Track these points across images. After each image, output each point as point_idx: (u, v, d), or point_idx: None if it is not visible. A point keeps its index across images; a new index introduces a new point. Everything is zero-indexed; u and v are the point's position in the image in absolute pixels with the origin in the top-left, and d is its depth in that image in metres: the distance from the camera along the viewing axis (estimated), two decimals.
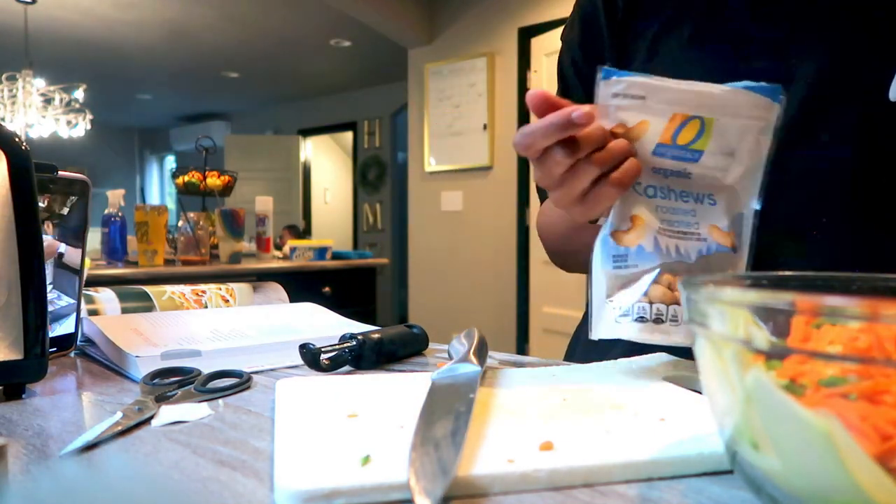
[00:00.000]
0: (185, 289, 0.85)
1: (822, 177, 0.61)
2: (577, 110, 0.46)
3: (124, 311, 0.78)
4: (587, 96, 0.77)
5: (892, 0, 0.58)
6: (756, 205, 0.53)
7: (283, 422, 0.39)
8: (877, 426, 0.22)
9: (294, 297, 0.94)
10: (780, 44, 0.63)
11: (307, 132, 7.18)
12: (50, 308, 0.54)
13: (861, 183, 0.60)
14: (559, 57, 0.81)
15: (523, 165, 3.65)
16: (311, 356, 0.56)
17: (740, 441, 0.26)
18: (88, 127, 4.92)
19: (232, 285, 0.90)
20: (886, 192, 0.60)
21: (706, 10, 0.66)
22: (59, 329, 0.62)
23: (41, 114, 4.60)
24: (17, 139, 0.48)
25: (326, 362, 0.57)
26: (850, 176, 0.60)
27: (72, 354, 0.67)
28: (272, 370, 0.59)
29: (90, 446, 0.38)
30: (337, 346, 0.58)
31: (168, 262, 2.32)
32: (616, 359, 0.58)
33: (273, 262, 2.62)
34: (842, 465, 0.22)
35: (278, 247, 3.10)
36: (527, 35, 3.67)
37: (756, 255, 0.55)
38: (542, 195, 0.86)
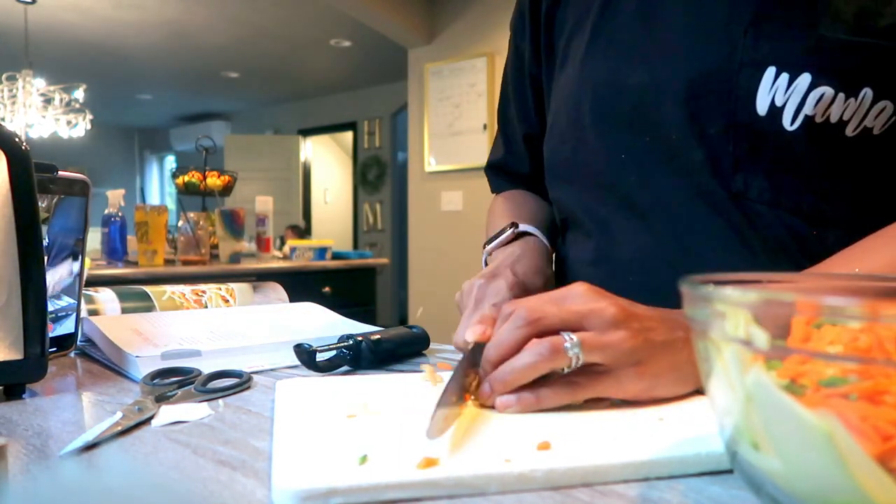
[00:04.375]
0: (185, 289, 0.85)
1: (702, 178, 0.59)
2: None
3: (124, 311, 0.78)
4: (535, 96, 0.78)
5: (760, 18, 0.54)
6: None
7: (282, 422, 0.39)
8: (877, 426, 0.22)
9: (294, 297, 0.94)
10: (655, 55, 0.60)
11: (307, 132, 7.17)
12: (50, 308, 0.54)
13: (736, 187, 0.57)
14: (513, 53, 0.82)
15: None
16: (306, 356, 0.56)
17: (740, 441, 0.26)
18: (88, 127, 4.91)
19: (232, 285, 0.90)
20: (765, 193, 0.57)
21: (599, 17, 0.66)
22: (59, 329, 0.62)
23: (41, 114, 4.60)
24: (17, 139, 0.48)
25: (324, 363, 0.57)
26: (726, 180, 0.57)
27: (72, 354, 0.67)
28: (272, 370, 0.59)
29: (90, 446, 0.38)
30: (334, 346, 0.58)
31: (168, 262, 2.32)
32: None
33: (273, 262, 2.62)
34: (842, 465, 0.22)
35: (280, 247, 3.10)
36: None
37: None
38: (496, 184, 0.88)
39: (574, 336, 0.41)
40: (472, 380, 0.45)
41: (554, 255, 0.76)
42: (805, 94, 0.52)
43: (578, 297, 0.44)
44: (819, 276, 0.44)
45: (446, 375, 0.49)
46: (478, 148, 3.85)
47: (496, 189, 0.89)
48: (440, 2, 4.08)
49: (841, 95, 0.52)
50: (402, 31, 4.00)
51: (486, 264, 0.70)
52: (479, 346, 0.48)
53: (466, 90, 3.89)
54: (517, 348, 0.42)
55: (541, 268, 0.65)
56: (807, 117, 0.53)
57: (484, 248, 0.72)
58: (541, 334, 0.42)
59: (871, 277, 0.35)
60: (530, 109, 0.80)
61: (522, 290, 0.58)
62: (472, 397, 0.43)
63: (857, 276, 0.43)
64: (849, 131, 0.53)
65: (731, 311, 0.26)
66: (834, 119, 0.53)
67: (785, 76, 0.53)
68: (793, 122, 0.53)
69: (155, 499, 0.20)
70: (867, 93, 0.52)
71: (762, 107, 0.54)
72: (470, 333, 0.49)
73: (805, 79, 0.52)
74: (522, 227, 0.71)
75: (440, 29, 4.09)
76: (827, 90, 0.52)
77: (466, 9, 3.95)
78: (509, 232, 0.70)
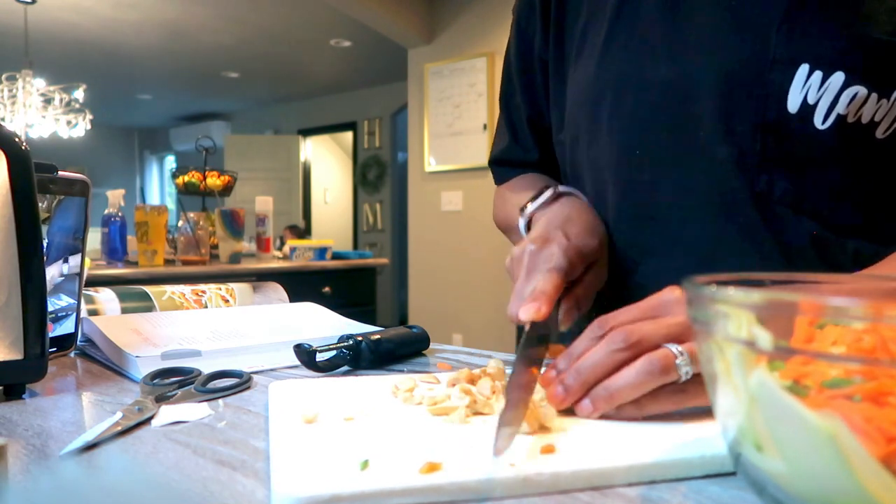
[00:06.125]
0: (185, 289, 0.85)
1: (725, 177, 0.57)
2: None
3: (124, 311, 0.78)
4: (544, 81, 0.75)
5: (794, 14, 0.53)
6: None
7: (277, 425, 0.38)
8: (881, 428, 0.22)
9: (294, 297, 0.94)
10: (684, 49, 0.58)
11: (307, 132, 7.17)
12: (50, 308, 0.54)
13: (760, 186, 0.56)
14: (516, 43, 0.78)
15: None
16: (306, 356, 0.56)
17: (744, 443, 0.26)
18: (88, 127, 4.91)
19: (232, 285, 0.90)
20: (788, 194, 0.56)
21: (618, 7, 0.63)
22: (59, 329, 0.62)
23: (41, 114, 4.60)
24: (17, 139, 0.48)
25: (324, 363, 0.57)
26: (750, 179, 0.56)
27: (72, 354, 0.67)
28: (272, 370, 0.59)
29: (90, 446, 0.38)
30: (334, 346, 0.58)
31: (168, 262, 2.32)
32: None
33: (273, 262, 2.62)
34: (846, 466, 0.22)
35: (279, 247, 3.10)
36: None
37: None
38: (501, 176, 0.85)
39: (684, 350, 0.39)
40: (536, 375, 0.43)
41: None
42: (838, 93, 0.51)
43: (674, 306, 0.42)
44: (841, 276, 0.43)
45: (444, 377, 0.49)
46: (478, 148, 3.85)
47: (502, 180, 0.85)
48: (440, 2, 4.08)
49: (874, 96, 0.51)
50: (402, 31, 4.00)
51: (527, 230, 0.66)
52: (534, 328, 0.46)
53: (466, 90, 3.89)
54: (616, 371, 0.40)
55: (594, 226, 0.60)
56: (839, 116, 0.52)
57: (521, 212, 0.67)
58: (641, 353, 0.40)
59: (873, 277, 0.35)
60: (539, 95, 0.77)
61: (577, 253, 0.54)
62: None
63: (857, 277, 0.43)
64: (879, 133, 0.52)
65: (734, 311, 0.26)
66: (865, 119, 0.52)
67: (818, 74, 0.52)
68: (824, 121, 0.52)
69: (155, 499, 0.20)
70: None
71: (794, 104, 0.53)
72: (524, 312, 0.47)
73: (839, 77, 0.51)
74: (562, 187, 0.66)
75: (440, 29, 4.09)
76: (860, 90, 0.51)
77: (466, 9, 3.95)
78: (549, 192, 0.65)
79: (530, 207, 0.65)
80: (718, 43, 0.57)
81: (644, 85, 0.60)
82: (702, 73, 0.57)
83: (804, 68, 0.52)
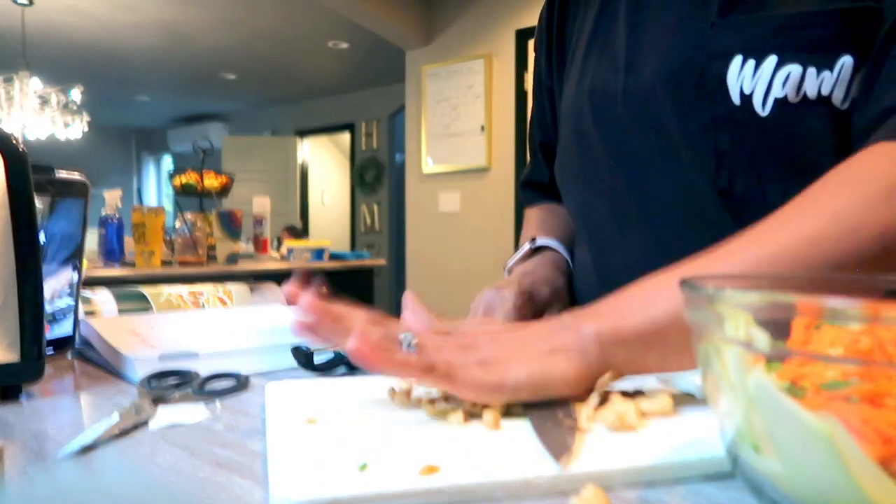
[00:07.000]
0: (183, 290, 0.85)
1: (691, 178, 0.58)
2: None
3: (121, 312, 0.78)
4: (551, 108, 0.80)
5: (727, 7, 0.54)
6: None
7: (274, 427, 0.38)
8: (878, 429, 0.22)
9: None
10: (640, 57, 0.60)
11: (305, 133, 7.17)
12: (47, 310, 0.54)
13: (721, 184, 0.56)
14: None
15: (521, 167, 3.66)
16: (304, 358, 0.56)
17: (742, 444, 0.26)
18: (85, 128, 4.91)
19: (229, 286, 0.90)
20: (749, 190, 0.55)
21: (595, 27, 0.67)
22: (56, 330, 0.61)
23: (38, 115, 4.59)
24: (13, 140, 0.48)
25: (322, 364, 0.57)
26: (711, 178, 0.56)
27: (69, 356, 0.66)
28: (270, 371, 0.59)
29: (87, 448, 0.37)
30: (331, 348, 0.58)
31: (165, 263, 2.31)
32: None
33: (270, 263, 2.61)
34: (844, 468, 0.22)
35: (277, 248, 3.10)
36: (524, 37, 3.67)
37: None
38: (526, 198, 0.93)
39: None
40: None
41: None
42: (771, 77, 0.52)
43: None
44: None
45: None
46: (475, 149, 3.85)
47: (526, 203, 0.93)
48: (438, 4, 4.08)
49: (811, 70, 0.50)
50: (399, 32, 4.00)
51: None
52: None
53: (464, 92, 3.90)
54: None
55: (549, 279, 0.68)
56: (777, 100, 0.52)
57: (504, 266, 0.77)
58: None
59: (872, 278, 0.35)
60: (547, 121, 0.83)
61: (528, 300, 0.62)
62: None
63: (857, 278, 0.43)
64: (837, 103, 0.51)
65: (731, 312, 0.26)
66: (812, 95, 0.51)
67: (751, 62, 0.52)
68: (764, 107, 0.52)
69: (152, 500, 0.20)
70: (846, 62, 0.50)
71: (735, 96, 0.53)
72: None
73: (771, 62, 0.51)
74: (540, 241, 0.74)
75: (438, 31, 4.09)
76: (793, 68, 0.51)
77: (464, 11, 3.96)
78: (527, 248, 0.74)
79: (510, 262, 0.77)
80: (663, 46, 0.58)
81: (611, 96, 0.63)
82: (653, 79, 0.59)
83: (738, 59, 0.53)
